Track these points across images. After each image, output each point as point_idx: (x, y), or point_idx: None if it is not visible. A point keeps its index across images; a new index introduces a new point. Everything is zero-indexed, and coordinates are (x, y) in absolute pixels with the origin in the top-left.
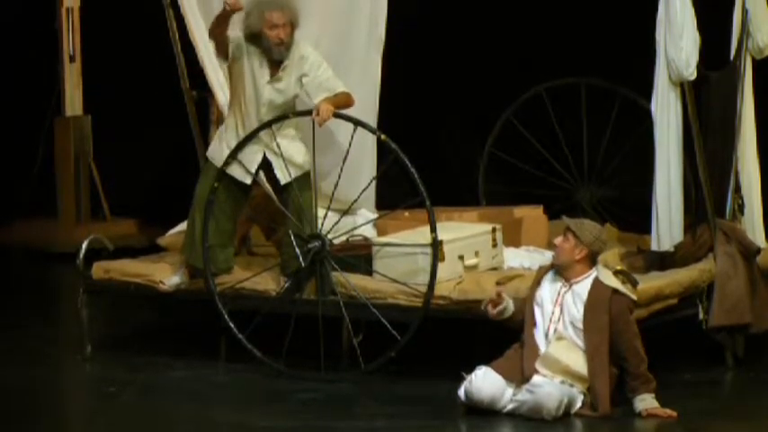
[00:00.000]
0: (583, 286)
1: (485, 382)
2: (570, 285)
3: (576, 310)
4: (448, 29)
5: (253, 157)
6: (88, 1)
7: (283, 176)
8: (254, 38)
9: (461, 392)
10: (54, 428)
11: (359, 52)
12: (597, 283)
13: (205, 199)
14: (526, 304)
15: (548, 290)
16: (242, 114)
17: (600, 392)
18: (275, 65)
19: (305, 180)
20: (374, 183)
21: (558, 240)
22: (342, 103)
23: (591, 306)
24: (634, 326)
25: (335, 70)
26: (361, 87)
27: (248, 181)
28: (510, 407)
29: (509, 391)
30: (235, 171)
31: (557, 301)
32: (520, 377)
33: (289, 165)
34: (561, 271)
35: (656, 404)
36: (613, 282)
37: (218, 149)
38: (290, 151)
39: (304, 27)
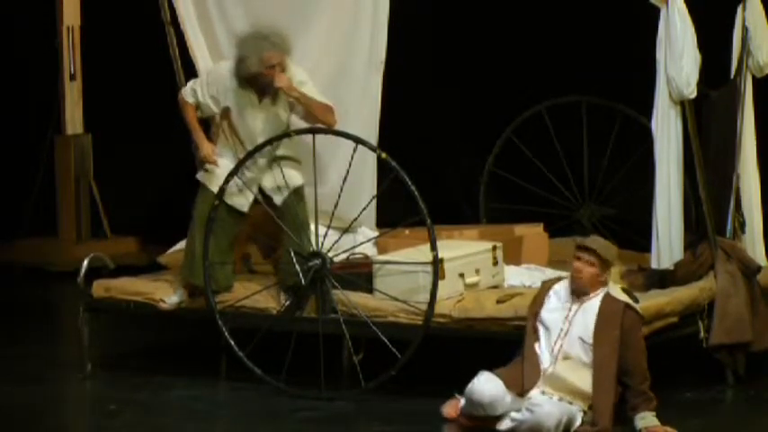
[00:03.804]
0: (593, 302)
1: (487, 384)
2: (582, 303)
3: (586, 325)
4: (449, 47)
5: (251, 184)
6: (89, 19)
7: (280, 197)
8: (247, 79)
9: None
10: None
11: (359, 72)
12: (609, 297)
13: (204, 219)
14: (528, 320)
15: (556, 307)
16: (239, 143)
17: (602, 407)
18: (259, 92)
19: (299, 193)
20: (375, 201)
21: (580, 264)
22: (317, 108)
23: (603, 320)
24: (642, 342)
25: (336, 90)
26: (362, 106)
27: (246, 209)
28: (509, 425)
29: (508, 398)
30: (233, 199)
31: (566, 317)
32: (520, 389)
33: (285, 186)
34: (579, 293)
35: (656, 422)
36: (624, 297)
37: (215, 174)
38: (287, 173)
39: (305, 47)
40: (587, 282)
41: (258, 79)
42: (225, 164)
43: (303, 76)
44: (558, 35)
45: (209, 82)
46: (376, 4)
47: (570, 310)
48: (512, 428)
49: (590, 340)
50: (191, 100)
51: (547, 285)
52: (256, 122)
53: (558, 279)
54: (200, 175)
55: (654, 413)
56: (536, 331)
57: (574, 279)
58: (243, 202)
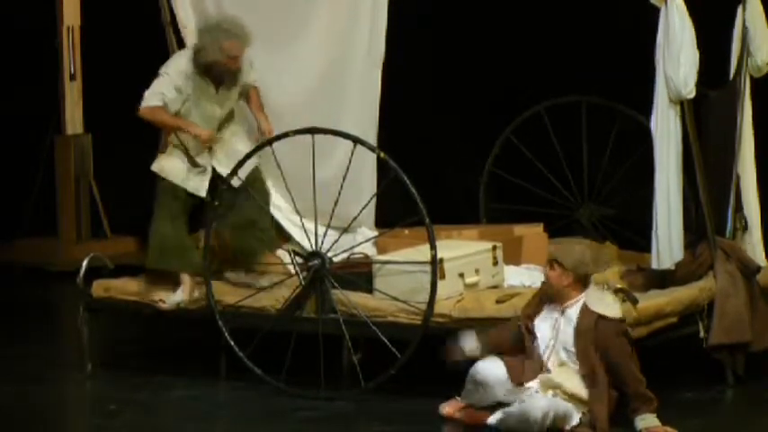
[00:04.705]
0: (574, 310)
1: (492, 365)
2: (563, 310)
3: (568, 336)
4: (448, 46)
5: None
6: (89, 19)
7: (236, 180)
8: (206, 67)
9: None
10: None
11: (358, 70)
12: (584, 308)
13: (168, 208)
14: (521, 320)
15: (546, 316)
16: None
17: (598, 415)
18: (217, 81)
19: (256, 174)
20: (374, 201)
21: (546, 269)
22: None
23: (579, 333)
24: (627, 347)
25: (335, 87)
26: (361, 104)
27: (203, 193)
28: (499, 417)
29: (509, 385)
30: (189, 184)
31: (553, 326)
32: (519, 378)
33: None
34: (554, 298)
35: (657, 423)
36: (601, 307)
37: (176, 167)
38: (237, 147)
39: (304, 44)
40: (551, 285)
41: (215, 68)
42: (179, 155)
43: (254, 70)
44: (558, 35)
45: (171, 74)
46: (374, 1)
47: (556, 320)
48: (501, 419)
49: (573, 350)
50: (158, 102)
51: (542, 290)
52: (214, 109)
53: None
54: (156, 167)
55: (654, 414)
56: (531, 332)
57: (549, 288)
58: (200, 186)
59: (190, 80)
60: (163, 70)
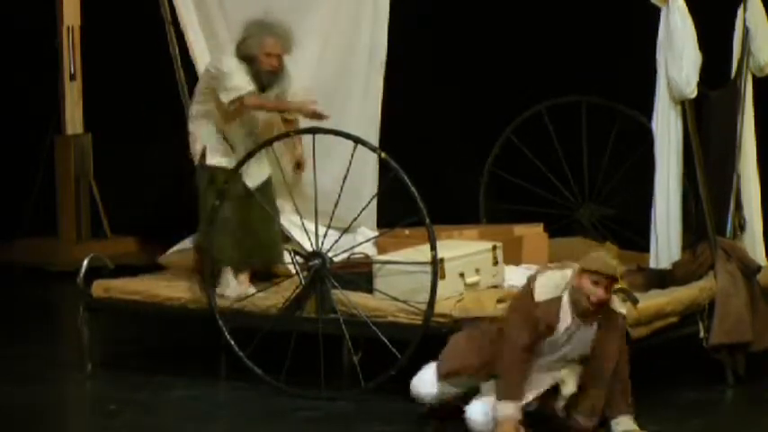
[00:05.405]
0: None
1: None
2: (591, 322)
3: (586, 341)
4: (449, 46)
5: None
6: (89, 19)
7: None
8: (246, 60)
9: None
10: None
11: (360, 72)
12: (608, 308)
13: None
14: (527, 331)
15: (554, 337)
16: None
17: (600, 412)
18: (261, 83)
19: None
20: (375, 201)
21: (601, 293)
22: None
23: (608, 332)
24: (626, 347)
25: (337, 90)
26: (363, 106)
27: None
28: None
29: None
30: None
31: (567, 340)
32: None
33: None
34: (592, 315)
35: (635, 427)
36: (620, 306)
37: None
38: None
39: (306, 47)
40: (604, 306)
41: (254, 65)
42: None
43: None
44: (558, 35)
45: (233, 66)
46: (376, 4)
47: (571, 335)
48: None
49: (588, 351)
50: (251, 88)
51: (556, 306)
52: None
53: (559, 299)
54: (214, 161)
55: (632, 416)
56: (531, 350)
57: (592, 305)
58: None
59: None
60: (226, 67)
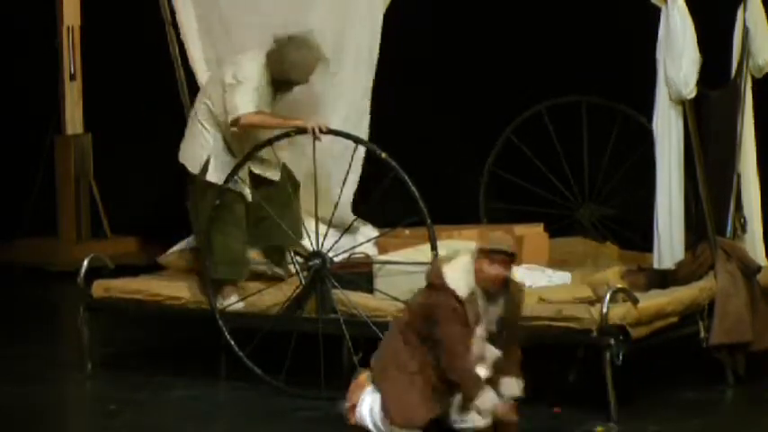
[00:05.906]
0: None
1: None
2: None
3: (495, 314)
4: (449, 47)
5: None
6: (89, 19)
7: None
8: (280, 78)
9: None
10: None
11: (354, 71)
12: (512, 282)
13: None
14: (462, 339)
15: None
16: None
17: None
18: (276, 87)
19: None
20: (353, 190)
21: (501, 270)
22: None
23: (510, 303)
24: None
25: (328, 89)
26: (356, 105)
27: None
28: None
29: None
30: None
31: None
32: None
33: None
34: (497, 289)
35: (519, 393)
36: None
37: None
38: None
39: None
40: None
41: (286, 84)
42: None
43: None
44: (558, 35)
45: (254, 77)
46: (370, 3)
47: (485, 310)
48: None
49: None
50: (253, 108)
51: (473, 299)
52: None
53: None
54: (214, 178)
55: (520, 380)
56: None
57: (495, 284)
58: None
59: (261, 86)
60: (241, 76)
